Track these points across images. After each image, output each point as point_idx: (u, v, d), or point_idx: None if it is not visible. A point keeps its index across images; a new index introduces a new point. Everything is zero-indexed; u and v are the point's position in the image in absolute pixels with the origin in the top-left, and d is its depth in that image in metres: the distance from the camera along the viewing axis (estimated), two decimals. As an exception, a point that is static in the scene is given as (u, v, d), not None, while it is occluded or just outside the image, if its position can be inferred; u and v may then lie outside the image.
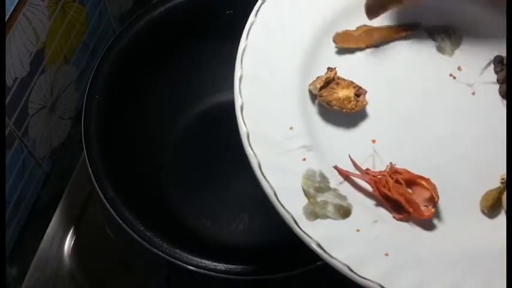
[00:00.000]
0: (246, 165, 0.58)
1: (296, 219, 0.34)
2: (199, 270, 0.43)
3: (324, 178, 0.37)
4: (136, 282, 0.53)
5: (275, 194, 0.35)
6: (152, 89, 0.56)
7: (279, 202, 0.35)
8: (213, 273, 0.43)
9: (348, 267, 0.33)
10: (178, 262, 0.43)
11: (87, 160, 0.46)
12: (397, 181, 0.37)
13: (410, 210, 0.36)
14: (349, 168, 0.38)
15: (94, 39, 0.60)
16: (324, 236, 0.34)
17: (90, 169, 0.46)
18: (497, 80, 0.42)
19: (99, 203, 0.46)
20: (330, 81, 0.40)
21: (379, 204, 0.37)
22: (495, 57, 0.43)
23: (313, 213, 0.35)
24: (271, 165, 0.36)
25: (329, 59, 0.42)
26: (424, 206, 0.36)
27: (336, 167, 0.38)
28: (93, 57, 0.61)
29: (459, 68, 0.43)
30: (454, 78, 0.43)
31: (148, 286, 0.53)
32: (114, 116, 0.50)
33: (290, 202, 0.35)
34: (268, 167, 0.36)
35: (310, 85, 0.40)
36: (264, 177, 0.35)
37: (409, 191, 0.37)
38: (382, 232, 0.36)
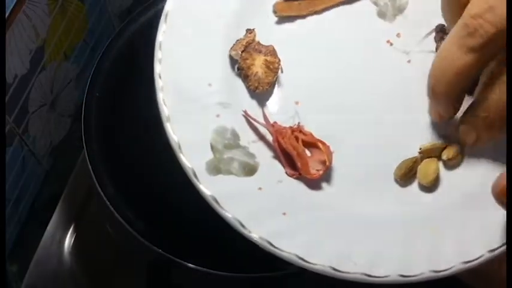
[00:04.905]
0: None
1: (196, 173, 0.35)
2: (199, 267, 0.43)
3: (235, 135, 0.37)
4: (136, 279, 0.53)
5: (179, 147, 0.35)
6: (153, 86, 0.56)
7: (182, 155, 0.35)
8: (213, 270, 0.43)
9: (239, 222, 0.34)
10: (178, 260, 0.43)
11: (87, 158, 0.46)
12: (296, 137, 0.37)
13: (299, 165, 0.36)
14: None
15: (94, 36, 0.60)
16: (222, 190, 0.35)
17: (90, 167, 0.46)
18: (436, 50, 0.41)
19: (99, 200, 0.46)
20: (250, 44, 0.39)
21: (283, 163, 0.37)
22: (437, 26, 0.41)
23: (216, 169, 0.36)
24: (181, 118, 0.36)
25: (265, 27, 0.41)
26: (317, 169, 0.37)
27: (245, 112, 0.38)
28: (93, 55, 0.61)
29: (398, 35, 0.42)
30: (391, 44, 0.41)
31: (149, 284, 0.53)
32: (114, 114, 0.50)
33: (194, 156, 0.35)
34: (177, 121, 0.36)
35: (231, 50, 0.39)
36: (171, 129, 0.36)
37: (303, 147, 0.37)
38: (285, 192, 0.36)
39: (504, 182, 0.32)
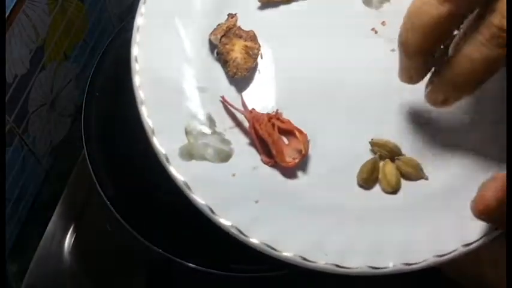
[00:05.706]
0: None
1: (168, 158, 0.34)
2: (199, 267, 0.43)
3: (211, 121, 0.37)
4: (136, 279, 0.53)
5: (153, 132, 0.35)
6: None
7: (155, 139, 0.35)
8: (213, 270, 0.43)
9: (209, 208, 0.33)
10: (178, 260, 0.43)
11: (87, 158, 0.46)
12: (273, 124, 0.37)
13: (274, 152, 0.36)
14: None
15: (94, 36, 0.60)
16: (194, 176, 0.34)
17: (90, 167, 0.46)
18: None
19: (99, 200, 0.46)
20: (231, 29, 0.39)
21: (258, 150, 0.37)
22: None
23: (190, 154, 0.35)
24: (157, 103, 0.36)
25: (248, 13, 0.40)
26: (293, 158, 0.36)
27: (222, 97, 0.37)
28: (93, 55, 0.61)
29: (383, 23, 0.41)
30: (376, 32, 0.41)
31: (149, 284, 0.53)
32: (114, 114, 0.50)
33: (168, 141, 0.35)
34: (152, 105, 0.35)
35: (211, 34, 0.39)
36: (146, 113, 0.35)
37: (279, 135, 0.36)
38: (259, 179, 0.36)
39: (487, 198, 0.30)
